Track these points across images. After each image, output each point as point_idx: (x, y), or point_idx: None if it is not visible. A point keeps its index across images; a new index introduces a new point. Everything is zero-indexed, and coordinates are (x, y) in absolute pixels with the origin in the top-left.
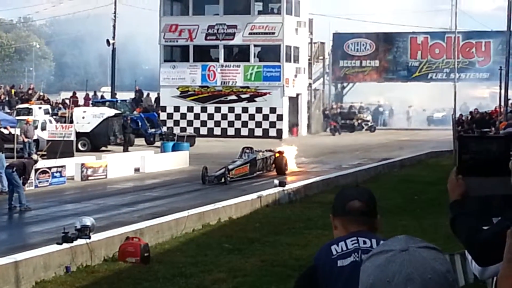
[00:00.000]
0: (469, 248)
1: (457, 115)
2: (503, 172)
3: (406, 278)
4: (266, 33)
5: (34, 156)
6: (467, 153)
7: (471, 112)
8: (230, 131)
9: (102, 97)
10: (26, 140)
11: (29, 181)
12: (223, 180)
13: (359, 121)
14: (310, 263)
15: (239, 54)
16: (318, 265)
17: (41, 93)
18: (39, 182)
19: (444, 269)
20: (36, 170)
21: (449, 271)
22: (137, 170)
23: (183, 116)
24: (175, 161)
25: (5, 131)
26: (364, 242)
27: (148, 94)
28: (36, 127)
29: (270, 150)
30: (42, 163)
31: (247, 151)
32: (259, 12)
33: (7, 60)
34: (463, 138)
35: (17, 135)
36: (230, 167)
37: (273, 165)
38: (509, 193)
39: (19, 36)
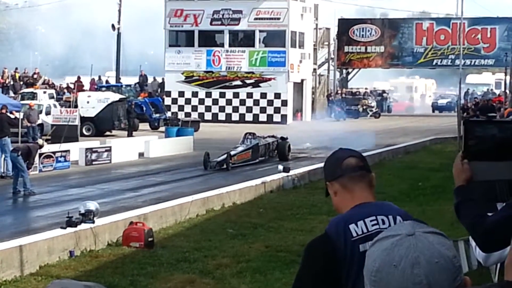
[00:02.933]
0: (473, 234)
1: (462, 102)
2: (509, 157)
3: (413, 262)
4: (272, 19)
5: (40, 141)
6: (473, 137)
7: (475, 99)
8: (235, 117)
9: (106, 82)
10: (29, 124)
11: (33, 166)
12: (225, 166)
13: (364, 107)
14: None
15: (244, 39)
16: (332, 239)
17: (46, 78)
18: (43, 167)
19: (450, 254)
20: (41, 154)
21: (455, 256)
22: (141, 155)
23: (188, 101)
24: (179, 146)
25: (11, 116)
26: (383, 222)
27: (154, 79)
28: (40, 112)
29: (272, 136)
30: (47, 148)
31: (249, 136)
32: None
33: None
34: (469, 123)
35: (21, 119)
36: (232, 152)
37: (276, 151)
38: None
39: (23, 20)
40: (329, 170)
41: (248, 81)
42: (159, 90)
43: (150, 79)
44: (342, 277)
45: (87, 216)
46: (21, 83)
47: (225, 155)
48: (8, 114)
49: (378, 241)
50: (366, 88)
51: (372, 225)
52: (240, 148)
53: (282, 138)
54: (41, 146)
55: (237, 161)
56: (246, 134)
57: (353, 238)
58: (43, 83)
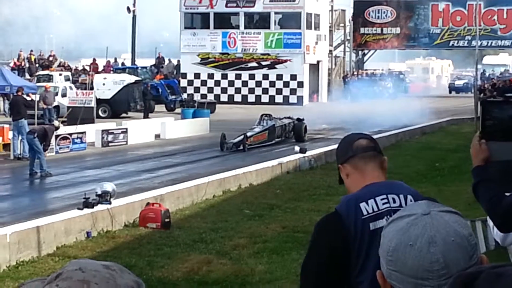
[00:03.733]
0: (491, 215)
1: (479, 83)
2: None
3: (429, 241)
4: (287, 0)
5: (56, 123)
6: (490, 118)
7: (492, 79)
8: (251, 98)
9: (122, 64)
10: (45, 106)
11: (50, 147)
12: (241, 147)
13: (380, 88)
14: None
15: (259, 21)
16: (342, 217)
17: (62, 60)
18: (60, 148)
19: (466, 232)
20: (57, 136)
21: (471, 234)
22: (157, 136)
23: (204, 83)
24: (195, 128)
25: (28, 98)
26: (394, 201)
27: (169, 61)
28: (56, 94)
29: (289, 117)
30: (63, 129)
31: (266, 118)
32: None
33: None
34: (487, 103)
35: (37, 101)
36: (249, 134)
37: (292, 132)
38: None
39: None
40: (341, 153)
41: (263, 63)
42: (174, 72)
43: (166, 61)
44: (352, 255)
45: (104, 197)
46: (37, 65)
47: (241, 136)
48: (24, 96)
49: (393, 221)
50: (382, 70)
51: (383, 204)
52: (257, 130)
53: (298, 119)
54: (57, 128)
55: (254, 143)
56: (262, 115)
57: (364, 216)
58: (59, 66)
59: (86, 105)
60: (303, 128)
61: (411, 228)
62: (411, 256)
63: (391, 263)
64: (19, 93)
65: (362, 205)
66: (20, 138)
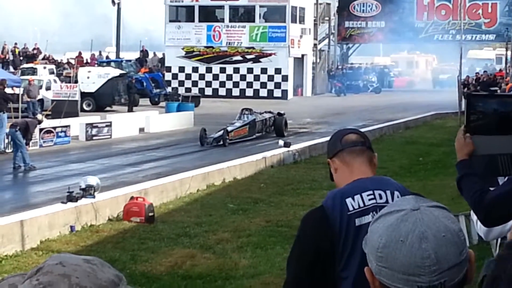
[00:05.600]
0: (475, 209)
1: (463, 77)
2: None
3: (420, 236)
4: None
5: (39, 116)
6: (475, 112)
7: (477, 74)
8: (235, 92)
9: (107, 57)
10: (29, 100)
11: (33, 141)
12: (221, 142)
13: (365, 82)
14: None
15: (244, 14)
16: (328, 212)
17: (46, 53)
18: (44, 142)
19: (456, 227)
20: (41, 129)
21: (461, 230)
22: (141, 130)
23: (188, 76)
24: (179, 122)
25: (10, 91)
26: (380, 197)
27: (154, 54)
28: (40, 87)
29: (269, 112)
30: (47, 123)
31: (246, 112)
32: None
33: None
34: (472, 97)
35: (21, 95)
36: (229, 128)
37: (272, 127)
38: None
39: None
40: (331, 147)
41: (248, 57)
42: (159, 66)
43: (150, 55)
44: (337, 251)
45: (88, 191)
46: (21, 58)
47: (221, 131)
48: (8, 89)
49: (381, 216)
50: (366, 64)
51: (369, 200)
52: (237, 124)
53: (279, 113)
54: (40, 122)
55: (234, 137)
56: (243, 110)
57: (349, 212)
58: (43, 59)
59: (70, 99)
60: (283, 123)
61: (401, 224)
62: (402, 252)
63: (381, 259)
64: (2, 86)
65: (348, 200)
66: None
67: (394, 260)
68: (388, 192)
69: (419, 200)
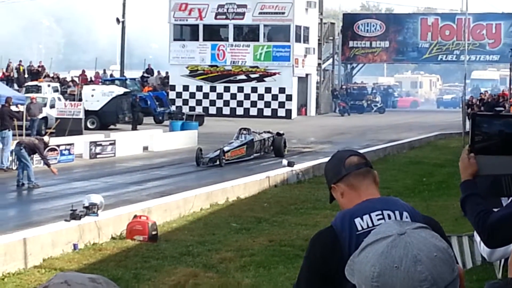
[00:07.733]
0: (478, 230)
1: (467, 98)
2: None
3: (414, 260)
4: (276, 13)
5: (46, 138)
6: (479, 132)
7: (481, 94)
8: (239, 111)
9: (111, 75)
10: (29, 118)
11: (36, 158)
12: (218, 162)
13: (368, 102)
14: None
15: (248, 33)
16: (337, 232)
17: (49, 73)
18: (48, 160)
19: (445, 245)
20: (45, 147)
21: (449, 246)
22: (145, 148)
23: (192, 95)
24: (183, 140)
25: (15, 109)
26: (389, 217)
27: (158, 73)
28: (44, 105)
29: (268, 132)
30: (51, 141)
31: (244, 132)
32: None
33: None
34: (477, 117)
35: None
36: (226, 148)
37: (271, 147)
38: None
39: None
40: (333, 172)
41: (252, 76)
42: (159, 83)
43: (154, 73)
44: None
45: (91, 209)
46: (26, 76)
47: (218, 151)
48: (13, 106)
49: (368, 245)
50: (372, 84)
51: (378, 220)
52: (235, 144)
53: (278, 133)
54: (46, 145)
55: (231, 158)
56: (241, 129)
57: (358, 232)
58: (48, 76)
59: (74, 117)
60: (282, 143)
61: (393, 250)
62: (399, 279)
63: None
64: (7, 104)
65: (357, 220)
66: (2, 148)
67: (391, 287)
68: (397, 213)
69: (402, 224)
